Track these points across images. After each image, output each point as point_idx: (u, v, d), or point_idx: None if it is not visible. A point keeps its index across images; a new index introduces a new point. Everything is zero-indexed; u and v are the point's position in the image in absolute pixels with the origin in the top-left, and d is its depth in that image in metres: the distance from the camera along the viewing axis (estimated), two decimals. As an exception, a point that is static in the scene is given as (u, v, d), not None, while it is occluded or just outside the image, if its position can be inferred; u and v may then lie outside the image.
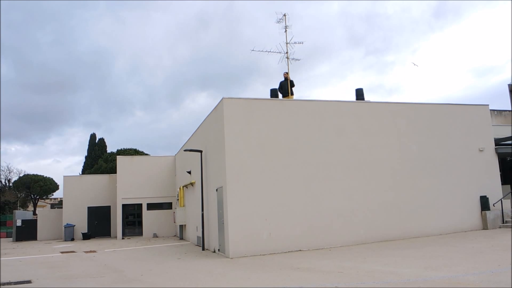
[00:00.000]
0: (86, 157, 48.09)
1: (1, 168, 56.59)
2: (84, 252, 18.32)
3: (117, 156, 28.80)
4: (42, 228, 29.28)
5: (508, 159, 19.31)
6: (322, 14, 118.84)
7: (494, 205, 16.64)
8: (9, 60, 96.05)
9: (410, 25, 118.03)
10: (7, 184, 52.78)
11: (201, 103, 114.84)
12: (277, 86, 17.76)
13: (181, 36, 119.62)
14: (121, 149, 43.72)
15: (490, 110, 18.16)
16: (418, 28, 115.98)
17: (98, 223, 28.81)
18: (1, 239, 33.29)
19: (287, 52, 17.67)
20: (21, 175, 52.34)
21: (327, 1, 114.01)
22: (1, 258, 16.71)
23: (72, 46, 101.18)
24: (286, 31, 17.73)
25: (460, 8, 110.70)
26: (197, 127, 19.16)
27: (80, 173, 46.87)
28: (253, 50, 17.40)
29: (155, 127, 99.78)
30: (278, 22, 17.86)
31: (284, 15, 17.82)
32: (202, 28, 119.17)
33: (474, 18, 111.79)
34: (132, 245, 21.07)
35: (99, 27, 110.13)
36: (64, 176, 29.31)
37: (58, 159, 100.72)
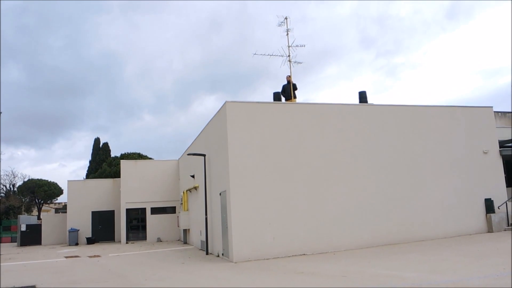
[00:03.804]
0: (90, 162, 48.19)
1: (6, 172, 56.72)
2: (88, 256, 18.34)
3: (121, 161, 28.85)
4: (46, 233, 29.34)
5: (513, 161, 19.20)
6: (335, 16, 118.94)
7: (499, 208, 16.55)
8: (19, 64, 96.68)
9: (422, 27, 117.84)
10: (12, 189, 52.95)
11: (208, 107, 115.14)
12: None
13: (192, 39, 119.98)
14: (125, 153, 43.77)
15: (495, 112, 18.08)
16: (429, 30, 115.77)
17: (102, 227, 28.84)
18: (6, 244, 33.37)
19: (289, 55, 17.70)
20: (25, 179, 52.53)
21: (340, 2, 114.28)
22: (6, 263, 16.74)
23: (84, 50, 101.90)
24: (287, 34, 17.78)
25: (472, 9, 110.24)
26: (200, 131, 19.18)
27: (84, 177, 46.96)
28: (255, 54, 17.44)
29: (162, 131, 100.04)
30: (279, 25, 17.90)
31: (286, 18, 17.86)
32: (214, 31, 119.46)
33: (484, 18, 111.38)
34: (136, 249, 21.08)
35: (112, 31, 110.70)
36: (68, 181, 29.40)
37: (64, 164, 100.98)
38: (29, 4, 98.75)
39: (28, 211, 52.11)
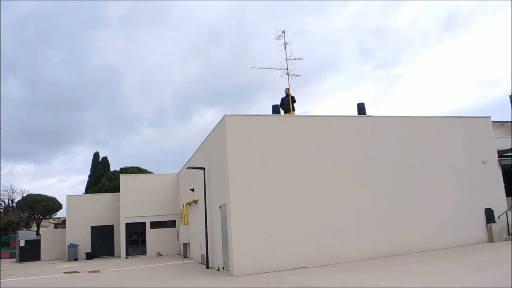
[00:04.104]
0: (89, 176, 48.09)
1: (5, 188, 56.57)
2: (88, 272, 18.20)
3: (120, 175, 28.79)
4: (45, 248, 29.14)
5: (512, 171, 19.23)
6: (333, 28, 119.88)
7: (499, 217, 16.53)
8: (19, 79, 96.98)
9: (419, 38, 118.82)
10: (11, 204, 52.74)
11: (208, 120, 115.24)
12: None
13: (192, 53, 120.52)
14: (124, 167, 43.70)
15: (493, 121, 18.16)
16: (427, 41, 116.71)
17: (102, 242, 28.66)
18: (5, 260, 33.11)
19: (287, 69, 17.84)
20: (24, 195, 52.36)
21: (337, 14, 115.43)
22: (5, 280, 16.62)
23: (83, 65, 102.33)
24: (285, 47, 17.95)
25: (469, 19, 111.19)
26: (200, 145, 19.22)
27: (84, 192, 46.81)
28: (253, 67, 17.59)
29: (162, 144, 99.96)
30: (277, 39, 18.08)
31: (283, 32, 18.05)
32: (213, 45, 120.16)
33: (481, 29, 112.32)
34: (136, 264, 20.93)
35: (111, 45, 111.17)
36: (67, 196, 29.27)
37: (63, 178, 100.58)
38: (28, 19, 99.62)
39: (27, 226, 51.87)
